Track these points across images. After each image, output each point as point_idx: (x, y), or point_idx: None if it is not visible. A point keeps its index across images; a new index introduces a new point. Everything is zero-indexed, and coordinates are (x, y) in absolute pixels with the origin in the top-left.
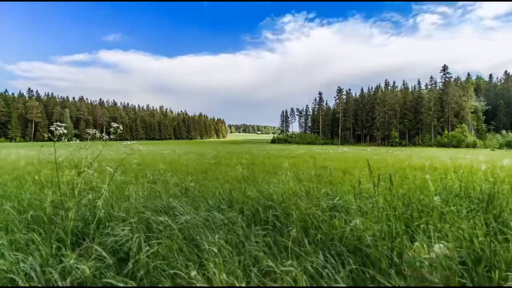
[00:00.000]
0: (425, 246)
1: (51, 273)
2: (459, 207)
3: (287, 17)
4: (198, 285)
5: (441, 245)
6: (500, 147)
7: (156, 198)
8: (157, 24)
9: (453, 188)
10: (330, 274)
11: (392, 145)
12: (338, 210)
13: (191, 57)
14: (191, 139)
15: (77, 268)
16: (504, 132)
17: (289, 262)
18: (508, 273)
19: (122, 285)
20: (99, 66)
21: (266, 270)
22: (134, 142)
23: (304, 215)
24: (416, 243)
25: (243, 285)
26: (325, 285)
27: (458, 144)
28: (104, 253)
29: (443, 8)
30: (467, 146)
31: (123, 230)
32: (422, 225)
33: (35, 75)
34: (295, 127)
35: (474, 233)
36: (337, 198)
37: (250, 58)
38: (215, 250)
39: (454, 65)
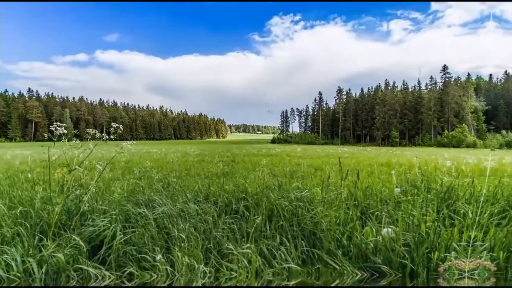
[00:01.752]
0: (374, 230)
1: (29, 261)
2: (415, 197)
3: (297, 16)
4: (161, 267)
5: (389, 229)
6: (500, 147)
7: (139, 192)
8: (157, 24)
9: (415, 181)
10: (283, 255)
11: (392, 145)
12: (303, 200)
13: (191, 57)
14: (191, 139)
15: (54, 256)
16: (504, 132)
17: (248, 245)
18: (447, 254)
19: (91, 269)
20: (99, 66)
21: (225, 252)
22: (134, 142)
23: (272, 205)
24: (366, 228)
25: (202, 265)
26: (277, 264)
27: (458, 144)
28: (81, 242)
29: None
30: (467, 146)
31: (102, 221)
32: (377, 213)
33: (35, 75)
34: (295, 127)
35: (423, 219)
36: (305, 191)
37: (254, 57)
38: (183, 236)
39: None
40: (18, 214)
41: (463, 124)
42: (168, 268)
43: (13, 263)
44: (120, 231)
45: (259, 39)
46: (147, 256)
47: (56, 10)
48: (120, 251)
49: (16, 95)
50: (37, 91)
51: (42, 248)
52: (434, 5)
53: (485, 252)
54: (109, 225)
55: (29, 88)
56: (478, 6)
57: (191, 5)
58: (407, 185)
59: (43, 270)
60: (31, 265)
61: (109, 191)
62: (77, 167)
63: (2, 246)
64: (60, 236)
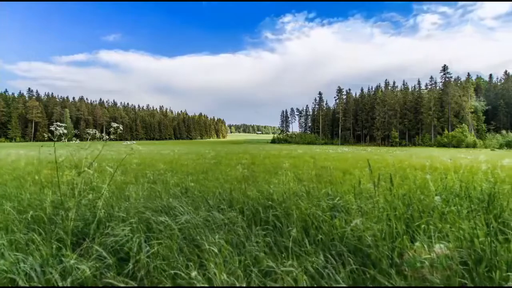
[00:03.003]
0: (425, 246)
1: (51, 273)
2: (459, 207)
3: (288, 17)
4: (198, 285)
5: (442, 245)
6: (500, 147)
7: (156, 198)
8: (157, 24)
9: (454, 188)
10: (331, 274)
11: (392, 145)
12: (338, 210)
13: (191, 57)
14: (191, 139)
15: (77, 268)
16: (504, 132)
17: (290, 262)
18: (509, 273)
19: (122, 285)
20: (99, 66)
21: (266, 270)
22: (134, 142)
23: (304, 215)
24: (417, 243)
25: (244, 285)
26: (326, 285)
27: (458, 144)
28: (104, 253)
29: (443, 8)
30: (467, 146)
31: (123, 230)
32: (423, 225)
33: (35, 75)
34: (295, 127)
35: (474, 233)
36: (337, 198)
37: (250, 58)
38: (216, 250)
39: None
40: (29, 219)
41: (463, 124)
42: (207, 286)
43: (33, 273)
44: (145, 242)
45: (272, 36)
46: (181, 273)
47: (56, 10)
48: (150, 265)
49: (16, 95)
50: (37, 91)
51: (62, 258)
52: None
53: None
54: (131, 234)
55: (29, 88)
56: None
57: (194, 5)
58: (446, 192)
59: (68, 283)
60: (53, 276)
61: (124, 196)
62: (86, 169)
63: (17, 253)
64: (79, 245)
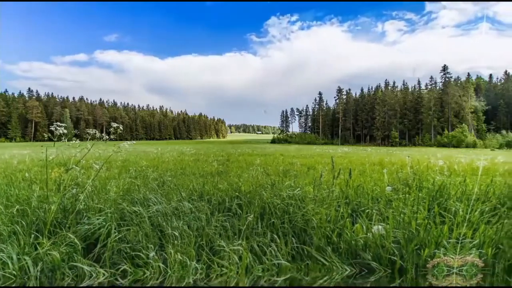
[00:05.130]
0: (364, 227)
1: (25, 259)
2: (407, 196)
3: (294, 17)
4: (153, 264)
5: (380, 227)
6: (500, 147)
7: (135, 191)
8: (157, 24)
9: (406, 180)
10: (273, 252)
11: (392, 145)
12: (295, 199)
13: (191, 57)
14: (191, 139)
15: (49, 254)
16: (504, 132)
17: (239, 242)
18: (436, 251)
19: (86, 267)
20: (99, 66)
21: (217, 249)
22: (133, 142)
23: (264, 203)
24: (356, 225)
25: (194, 262)
26: (267, 261)
27: (458, 144)
28: (76, 240)
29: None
30: (467, 146)
31: (98, 219)
32: (367, 210)
33: (35, 75)
34: (295, 127)
35: (414, 217)
36: (297, 189)
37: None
38: (177, 234)
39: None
40: (14, 212)
41: (463, 124)
42: (161, 265)
43: (9, 261)
44: (115, 229)
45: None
46: (141, 254)
47: (56, 10)
48: (115, 248)
49: (16, 95)
50: (37, 91)
51: (37, 246)
52: (428, 6)
53: (474, 249)
54: (104, 223)
55: (29, 88)
56: (471, 7)
57: (190, 5)
58: (399, 183)
59: (39, 268)
60: (26, 263)
61: (105, 190)
62: (74, 166)
63: None
64: (56, 234)
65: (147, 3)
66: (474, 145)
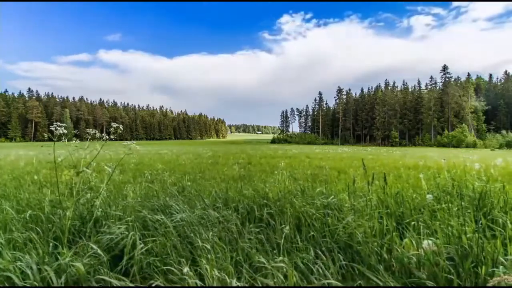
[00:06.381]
0: (414, 242)
1: (46, 270)
2: (450, 205)
3: (285, 18)
4: (190, 280)
5: (430, 242)
6: (500, 147)
7: (153, 197)
8: (157, 24)
9: (446, 186)
10: (320, 270)
11: (392, 145)
12: (331, 208)
13: (191, 57)
14: (191, 139)
15: (72, 265)
16: (504, 132)
17: (280, 258)
18: (494, 269)
19: (115, 281)
20: (99, 66)
21: (257, 266)
22: (133, 142)
23: (298, 213)
24: (405, 240)
25: (234, 280)
26: (315, 280)
27: (458, 144)
28: (99, 251)
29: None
30: (467, 146)
31: (119, 228)
32: (413, 223)
33: (35, 75)
34: (295, 127)
35: (462, 230)
36: (331, 197)
37: (250, 58)
38: (208, 247)
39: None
40: (27, 218)
41: (463, 124)
42: (198, 282)
43: (28, 271)
44: (140, 239)
45: (270, 37)
46: (173, 269)
47: (57, 10)
48: (143, 262)
49: (16, 95)
50: (37, 91)
51: (58, 256)
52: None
53: None
54: (126, 232)
55: (29, 88)
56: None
57: (193, 5)
58: (438, 191)
59: (62, 280)
60: (48, 274)
61: (121, 195)
62: (85, 168)
63: (14, 252)
64: (75, 243)
65: (148, 3)
66: (474, 145)
